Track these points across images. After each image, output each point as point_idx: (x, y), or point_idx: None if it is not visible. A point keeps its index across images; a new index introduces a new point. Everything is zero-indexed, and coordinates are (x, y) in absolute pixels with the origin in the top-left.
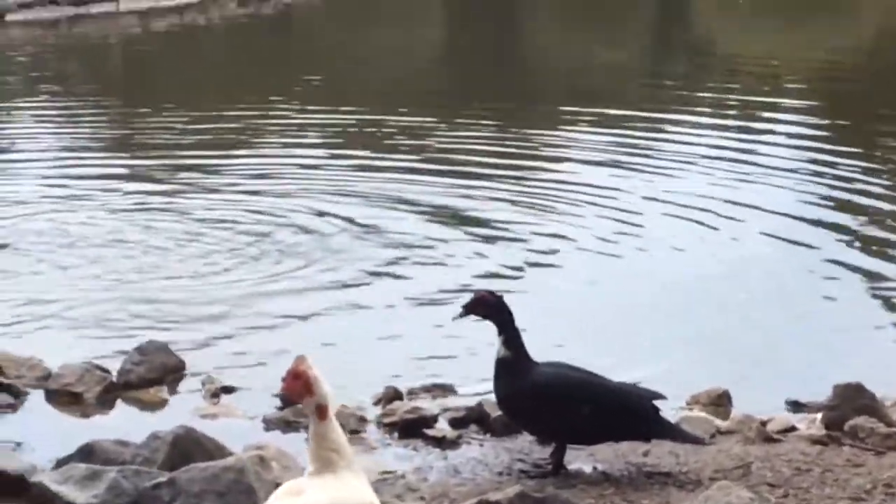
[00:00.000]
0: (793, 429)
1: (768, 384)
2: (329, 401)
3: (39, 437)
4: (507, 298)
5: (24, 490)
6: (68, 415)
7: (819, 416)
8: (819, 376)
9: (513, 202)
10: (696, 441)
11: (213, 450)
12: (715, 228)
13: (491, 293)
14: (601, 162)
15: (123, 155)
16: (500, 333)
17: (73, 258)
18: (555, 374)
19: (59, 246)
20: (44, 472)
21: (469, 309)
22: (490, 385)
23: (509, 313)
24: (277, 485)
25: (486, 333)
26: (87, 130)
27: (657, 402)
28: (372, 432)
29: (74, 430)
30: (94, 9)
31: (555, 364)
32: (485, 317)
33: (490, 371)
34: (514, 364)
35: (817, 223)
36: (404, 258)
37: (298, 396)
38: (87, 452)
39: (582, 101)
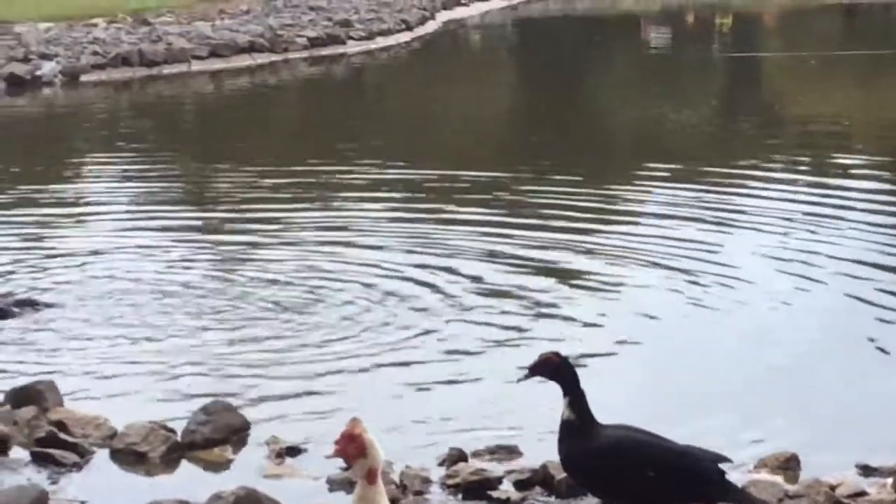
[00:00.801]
0: (863, 493)
1: (838, 447)
2: (379, 464)
3: (104, 497)
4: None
5: None
6: (133, 474)
7: (890, 480)
8: (891, 439)
9: (596, 254)
10: None
11: None
12: (792, 284)
13: (556, 354)
14: (682, 216)
15: (196, 208)
16: (565, 395)
17: (141, 314)
18: (620, 436)
19: (128, 301)
20: None
21: (534, 370)
22: (555, 447)
23: (574, 374)
24: None
25: (552, 394)
26: (160, 185)
27: (723, 466)
28: (436, 494)
29: (138, 490)
30: (167, 70)
31: (620, 426)
32: (550, 378)
33: (555, 432)
34: (578, 426)
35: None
36: (478, 311)
37: (352, 458)
38: None
39: (656, 157)
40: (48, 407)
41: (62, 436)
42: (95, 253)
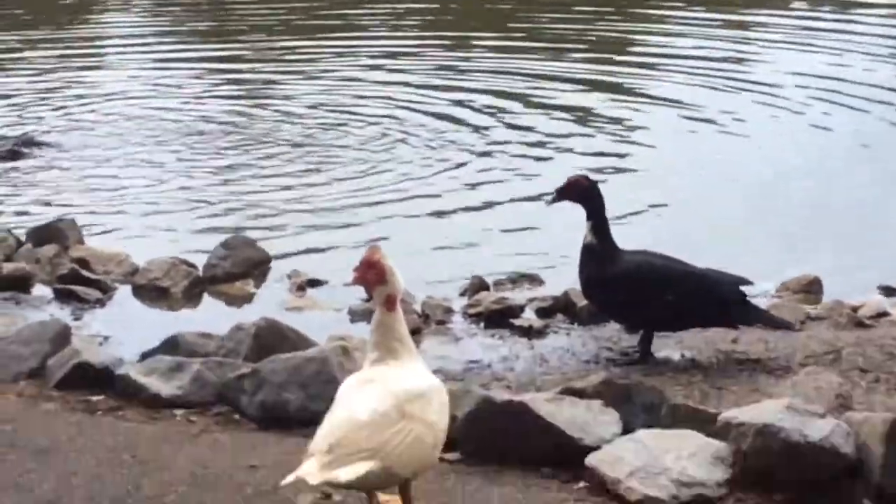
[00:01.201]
0: (885, 314)
1: (860, 270)
2: (399, 291)
3: (126, 331)
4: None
5: (110, 382)
6: (155, 309)
7: None
8: None
9: (605, 91)
10: (785, 326)
11: (296, 341)
12: (805, 113)
13: (585, 177)
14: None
15: (218, 41)
16: (588, 219)
17: (161, 151)
18: (640, 260)
19: (148, 138)
20: (130, 365)
21: (562, 193)
22: (576, 275)
23: (600, 198)
24: None
25: (573, 224)
26: (181, 18)
27: (745, 289)
28: (458, 323)
29: (160, 324)
30: None
31: (640, 252)
32: (577, 201)
33: (576, 261)
34: (600, 250)
35: None
36: (499, 150)
37: (371, 285)
38: (171, 345)
39: None
40: (69, 245)
41: (84, 273)
42: (112, 91)
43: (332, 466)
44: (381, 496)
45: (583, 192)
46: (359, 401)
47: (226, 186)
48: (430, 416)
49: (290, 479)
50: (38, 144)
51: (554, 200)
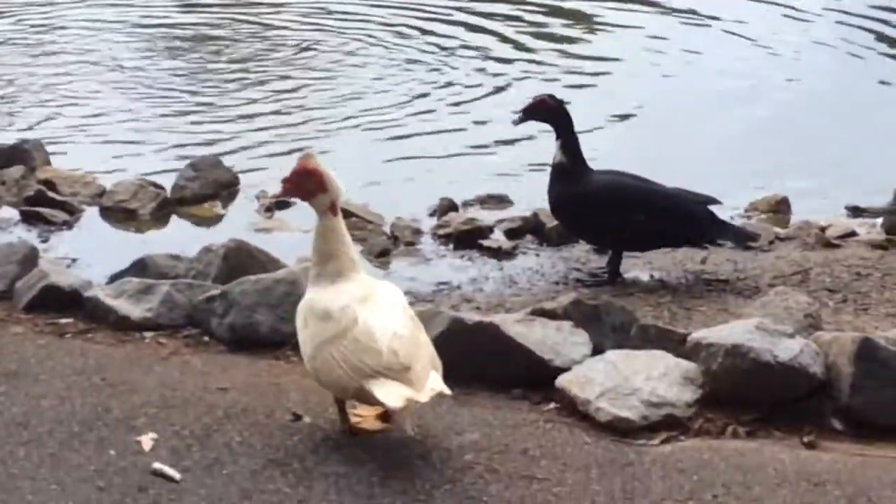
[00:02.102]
0: (852, 234)
1: (827, 190)
2: (340, 197)
3: (94, 253)
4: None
5: (79, 305)
6: (123, 231)
7: (879, 220)
8: (879, 181)
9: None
10: (751, 237)
11: (266, 262)
12: (773, 34)
13: (551, 97)
14: None
15: None
16: (557, 138)
17: (128, 70)
18: (609, 180)
19: (111, 58)
20: (98, 287)
21: (528, 112)
22: (545, 196)
23: (568, 117)
24: None
25: (542, 145)
26: None
27: (713, 208)
28: (427, 244)
29: (128, 246)
30: None
31: (611, 172)
32: (544, 120)
33: (545, 183)
34: (570, 169)
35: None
36: (465, 69)
37: (310, 194)
38: (140, 267)
39: None
40: (36, 166)
41: (51, 194)
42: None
43: (422, 381)
44: (361, 409)
45: (549, 111)
46: (384, 319)
47: (193, 106)
48: (420, 324)
49: (398, 402)
50: None
51: (520, 120)
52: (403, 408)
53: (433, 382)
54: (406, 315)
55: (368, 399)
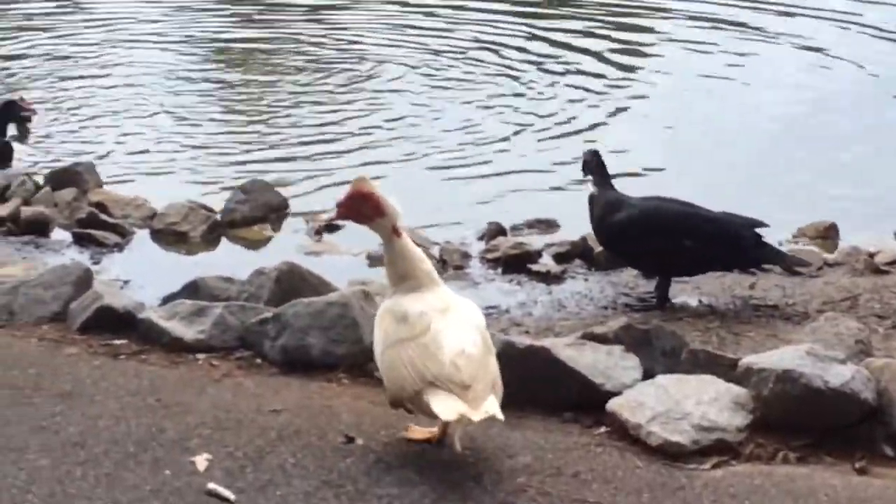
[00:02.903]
0: None
1: (876, 216)
2: (400, 218)
3: (146, 276)
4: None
5: (132, 326)
6: (174, 253)
7: None
8: None
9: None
10: (801, 264)
11: (317, 285)
12: (816, 62)
13: (594, 153)
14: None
15: None
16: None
17: (178, 94)
18: (652, 206)
19: (163, 81)
20: (151, 309)
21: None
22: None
23: (598, 157)
24: None
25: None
26: None
27: (762, 232)
28: (475, 268)
29: (180, 268)
30: None
31: (654, 198)
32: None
33: None
34: (605, 198)
35: None
36: (513, 94)
37: (367, 219)
38: (192, 289)
39: None
40: (88, 188)
41: (102, 217)
42: (132, 40)
43: (479, 401)
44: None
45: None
46: (456, 334)
47: (243, 129)
48: (492, 347)
49: (451, 415)
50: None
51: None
52: (455, 422)
53: (489, 405)
54: (479, 335)
55: (423, 407)
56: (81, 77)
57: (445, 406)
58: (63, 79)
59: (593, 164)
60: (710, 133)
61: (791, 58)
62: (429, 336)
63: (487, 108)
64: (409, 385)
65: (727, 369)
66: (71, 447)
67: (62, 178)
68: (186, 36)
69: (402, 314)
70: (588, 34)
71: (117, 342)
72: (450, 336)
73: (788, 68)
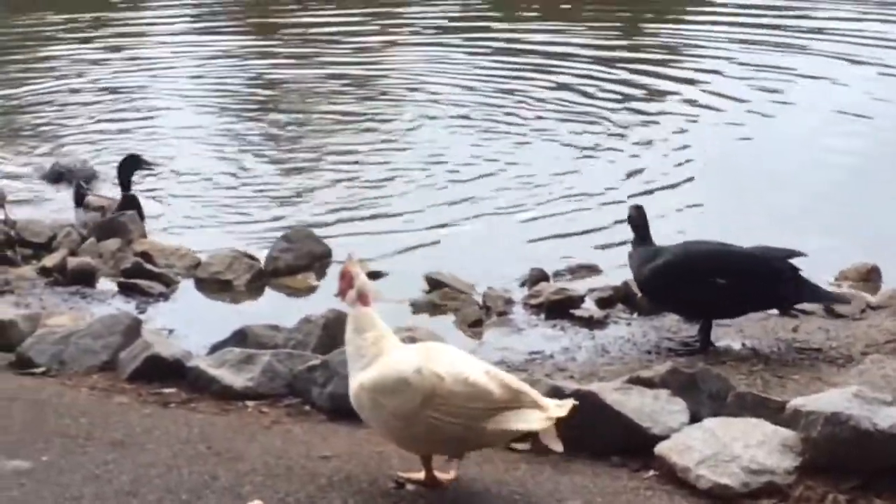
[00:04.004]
0: None
1: None
2: (369, 290)
3: (191, 324)
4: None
5: (181, 374)
6: (219, 301)
7: None
8: None
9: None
10: (841, 300)
11: None
12: (862, 103)
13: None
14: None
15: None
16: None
17: (220, 145)
18: (684, 249)
19: (203, 137)
20: (199, 358)
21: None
22: None
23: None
24: None
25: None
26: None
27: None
28: (519, 314)
29: (225, 317)
30: None
31: (682, 242)
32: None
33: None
34: (640, 249)
35: None
36: (550, 140)
37: (345, 293)
38: (240, 337)
39: None
40: (132, 239)
41: (147, 266)
42: (164, 86)
43: (541, 398)
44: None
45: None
46: (462, 363)
47: (285, 178)
48: None
49: (540, 423)
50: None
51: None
52: (547, 429)
53: (553, 402)
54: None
55: (493, 440)
56: (124, 120)
57: (526, 419)
58: (99, 121)
59: (637, 220)
60: (753, 174)
61: (851, 97)
62: (448, 382)
63: (530, 152)
64: (467, 433)
65: (774, 412)
66: (124, 496)
67: (107, 228)
68: (231, 82)
69: (395, 383)
70: (642, 72)
71: (167, 391)
72: (464, 368)
73: (841, 113)
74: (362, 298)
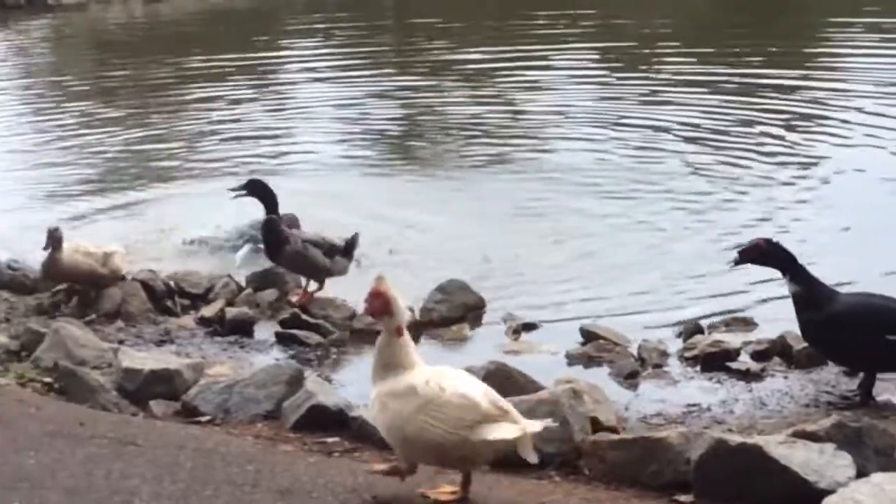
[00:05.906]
0: None
1: None
2: (404, 321)
3: (348, 374)
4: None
5: (344, 424)
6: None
7: None
8: None
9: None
10: None
11: (524, 383)
12: None
13: (767, 240)
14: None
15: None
16: (784, 274)
17: (360, 197)
18: (855, 301)
19: (348, 173)
20: (360, 408)
21: (744, 256)
22: (790, 317)
23: (784, 252)
24: (590, 418)
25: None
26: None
27: None
28: (674, 366)
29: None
30: None
31: (859, 294)
32: (762, 264)
33: (788, 305)
34: (809, 297)
35: None
36: (706, 190)
37: (378, 315)
38: None
39: None
40: (288, 290)
41: (304, 317)
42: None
43: (523, 420)
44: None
45: (764, 255)
46: (467, 383)
47: (439, 230)
48: None
49: (514, 433)
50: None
51: (736, 263)
52: (520, 438)
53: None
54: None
55: (474, 451)
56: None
57: (502, 430)
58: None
59: (777, 259)
60: None
61: None
62: (447, 394)
63: (671, 200)
64: (451, 438)
65: None
66: None
67: (264, 279)
68: (375, 122)
69: (405, 389)
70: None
71: (330, 440)
72: (465, 385)
73: None
74: (398, 330)
